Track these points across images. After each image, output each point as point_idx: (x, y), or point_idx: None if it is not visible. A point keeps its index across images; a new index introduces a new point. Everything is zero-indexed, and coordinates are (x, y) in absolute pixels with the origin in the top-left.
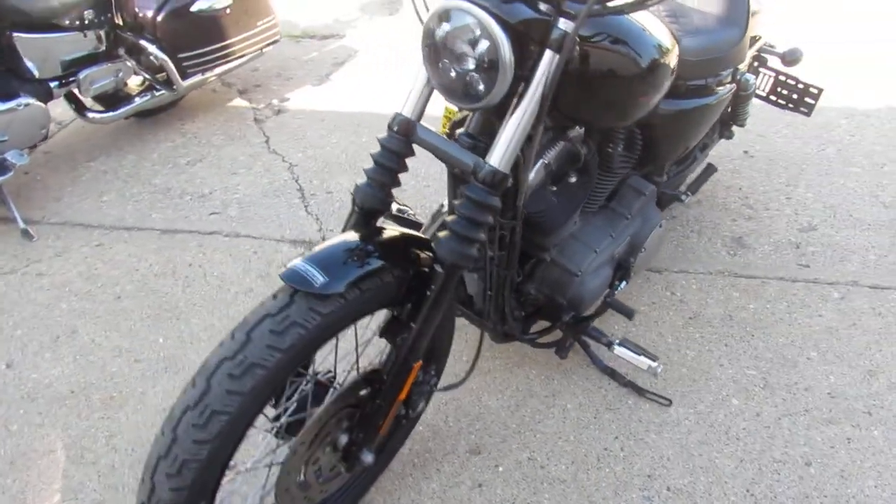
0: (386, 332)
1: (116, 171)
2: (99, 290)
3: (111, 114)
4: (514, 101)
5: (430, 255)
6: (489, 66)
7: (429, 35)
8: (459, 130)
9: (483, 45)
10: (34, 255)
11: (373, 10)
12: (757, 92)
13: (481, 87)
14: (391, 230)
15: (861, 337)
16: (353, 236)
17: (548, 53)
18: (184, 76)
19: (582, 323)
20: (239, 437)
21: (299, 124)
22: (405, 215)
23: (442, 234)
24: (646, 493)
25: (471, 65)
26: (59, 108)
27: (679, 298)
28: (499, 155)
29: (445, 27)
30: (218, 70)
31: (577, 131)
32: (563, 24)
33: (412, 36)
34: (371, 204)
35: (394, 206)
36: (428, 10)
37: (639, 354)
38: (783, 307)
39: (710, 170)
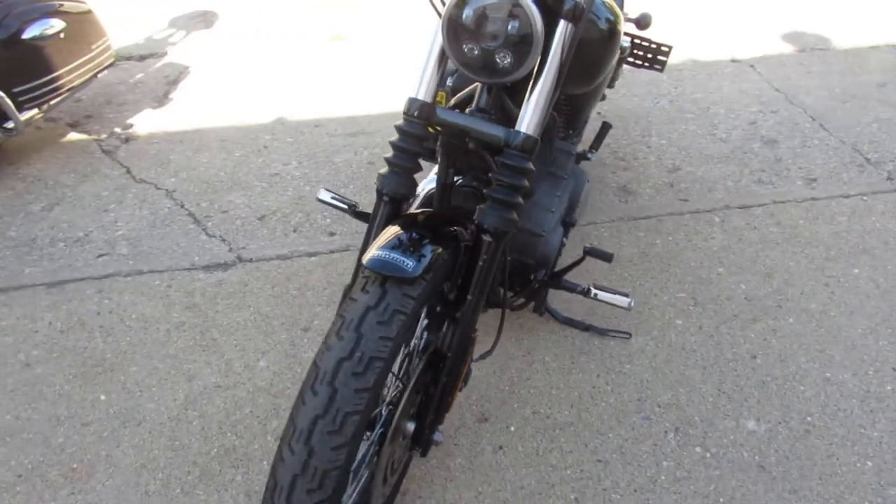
0: (440, 312)
1: None
2: None
3: None
4: (535, 71)
5: (470, 228)
6: (520, 40)
7: (455, 14)
8: (469, 108)
9: (516, 20)
10: None
11: (185, 24)
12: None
13: (509, 60)
14: (428, 212)
15: (748, 249)
16: (403, 223)
17: (562, 24)
18: (20, 110)
19: (557, 277)
20: (362, 436)
21: (158, 149)
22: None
23: (485, 205)
24: (643, 415)
25: (501, 41)
26: None
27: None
28: (529, 122)
29: (477, 4)
30: (56, 100)
31: None
32: None
33: (240, 46)
34: (400, 191)
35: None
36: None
37: (615, 294)
38: (682, 237)
39: (607, 127)
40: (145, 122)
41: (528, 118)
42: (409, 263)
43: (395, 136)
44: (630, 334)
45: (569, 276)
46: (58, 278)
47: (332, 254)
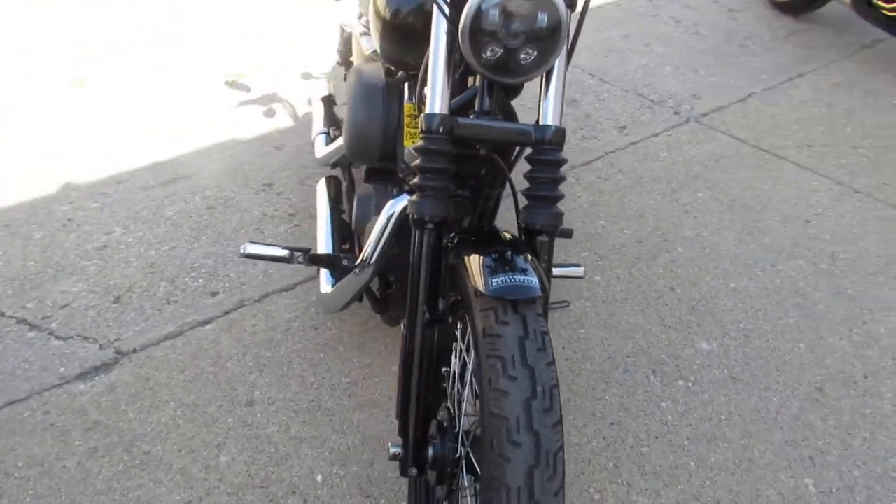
0: None
1: None
2: None
3: None
4: None
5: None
6: (547, 34)
7: (475, 17)
8: (472, 112)
9: (545, 13)
10: None
11: None
12: None
13: (534, 57)
14: (479, 227)
15: (612, 198)
16: (476, 242)
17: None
18: None
19: None
20: None
21: None
22: None
23: (528, 206)
24: (621, 369)
25: (526, 37)
26: None
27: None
28: (553, 113)
29: (502, 4)
30: None
31: None
32: None
33: None
34: (441, 214)
35: None
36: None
37: (569, 266)
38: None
39: None
40: None
41: (552, 109)
42: (531, 280)
43: (416, 160)
44: (569, 302)
45: None
46: None
47: (228, 315)
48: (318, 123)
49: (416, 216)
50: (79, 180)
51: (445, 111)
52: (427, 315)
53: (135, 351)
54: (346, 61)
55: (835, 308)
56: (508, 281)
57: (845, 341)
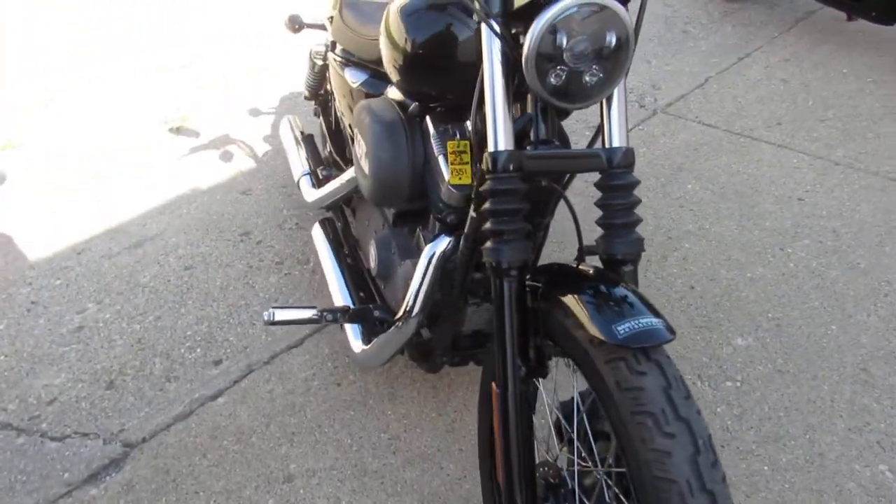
0: None
1: None
2: None
3: None
4: None
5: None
6: (613, 52)
7: (542, 40)
8: (529, 142)
9: (612, 31)
10: None
11: None
12: None
13: (599, 77)
14: (568, 267)
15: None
16: (581, 284)
17: None
18: None
19: None
20: None
21: None
22: None
23: (606, 234)
24: None
25: (593, 58)
26: None
27: None
28: (619, 134)
29: (570, 27)
30: None
31: None
32: None
33: None
34: (522, 258)
35: None
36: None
37: None
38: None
39: None
40: None
41: (618, 130)
42: (658, 322)
43: (486, 204)
44: None
45: None
46: None
47: (238, 384)
48: (299, 165)
49: (495, 264)
50: (33, 256)
51: (511, 146)
52: (523, 369)
53: (144, 440)
54: (315, 96)
55: (853, 284)
56: (635, 326)
57: (873, 317)
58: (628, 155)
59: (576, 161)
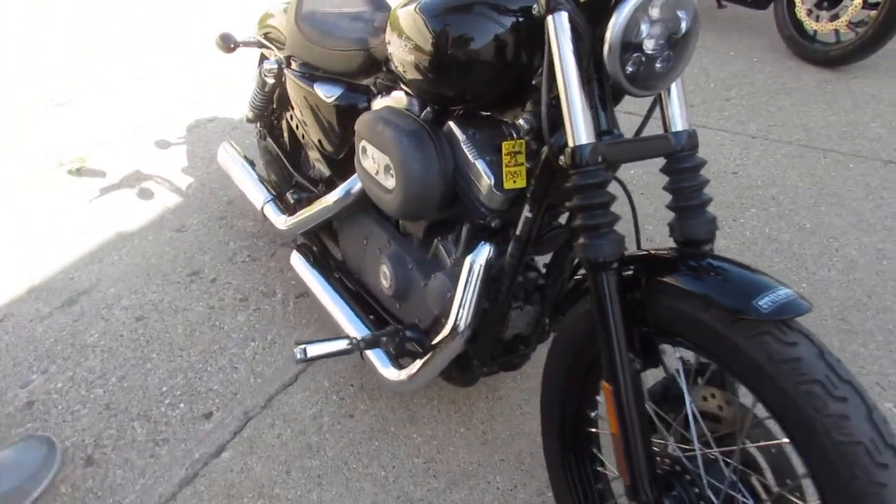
0: None
1: None
2: None
3: None
4: None
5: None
6: (686, 35)
7: (624, 32)
8: (604, 138)
9: (684, 13)
10: None
11: None
12: None
13: (672, 61)
14: (653, 253)
15: None
16: (700, 264)
17: None
18: None
19: None
20: None
21: None
22: None
23: (681, 217)
24: None
25: (666, 43)
26: None
27: None
28: (682, 117)
29: (653, 11)
30: None
31: None
32: None
33: None
34: (620, 251)
35: None
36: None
37: None
38: None
39: None
40: None
41: (680, 113)
42: (791, 293)
43: (574, 200)
44: None
45: None
46: None
47: (240, 434)
48: (257, 192)
49: (594, 259)
50: None
51: (593, 139)
52: (639, 363)
53: None
54: (260, 117)
55: (806, 244)
56: (776, 299)
57: (833, 271)
58: (693, 137)
59: (649, 147)
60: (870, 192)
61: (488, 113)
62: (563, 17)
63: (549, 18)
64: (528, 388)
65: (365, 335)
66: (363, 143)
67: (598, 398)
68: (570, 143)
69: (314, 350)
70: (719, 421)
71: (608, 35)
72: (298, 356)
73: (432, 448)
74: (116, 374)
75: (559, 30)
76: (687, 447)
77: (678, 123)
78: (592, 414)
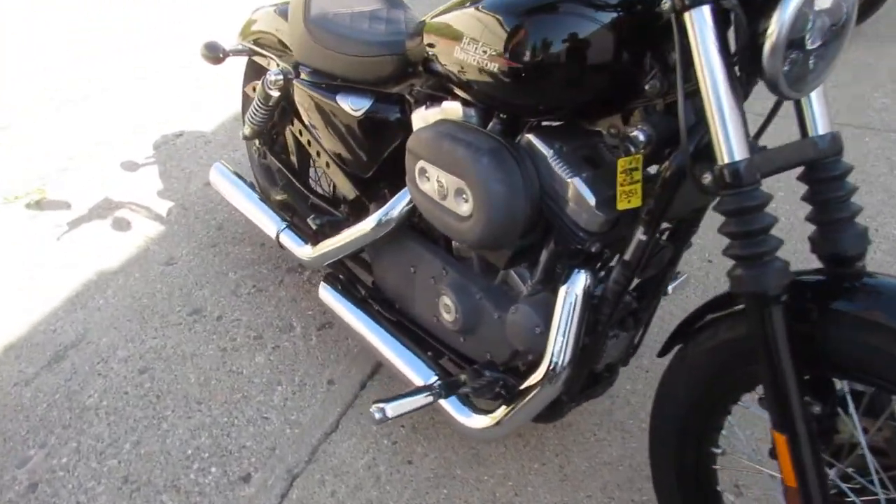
0: None
1: None
2: None
3: None
4: None
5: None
6: (839, 30)
7: (792, 29)
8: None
9: (844, 5)
10: None
11: None
12: None
13: (825, 58)
14: (811, 273)
15: None
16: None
17: None
18: None
19: None
20: None
21: None
22: None
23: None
24: None
25: (823, 40)
26: None
27: None
28: (825, 118)
29: (819, 2)
30: None
31: None
32: None
33: None
34: (787, 278)
35: None
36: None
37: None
38: None
39: None
40: None
41: (822, 115)
42: None
43: (730, 227)
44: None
45: None
46: None
47: (288, 496)
48: (267, 219)
49: (760, 292)
50: None
51: (747, 153)
52: (817, 406)
53: None
54: (260, 133)
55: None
56: None
57: (879, 253)
58: (837, 140)
59: (795, 154)
60: (893, 167)
61: (560, 122)
62: (705, 11)
63: (689, 14)
64: (596, 411)
65: (442, 381)
66: (421, 163)
67: (722, 432)
68: (722, 160)
69: (394, 409)
70: (887, 455)
71: (773, 30)
72: (377, 417)
73: (508, 490)
74: (129, 439)
75: (702, 27)
76: (852, 486)
77: (820, 126)
78: (718, 451)
